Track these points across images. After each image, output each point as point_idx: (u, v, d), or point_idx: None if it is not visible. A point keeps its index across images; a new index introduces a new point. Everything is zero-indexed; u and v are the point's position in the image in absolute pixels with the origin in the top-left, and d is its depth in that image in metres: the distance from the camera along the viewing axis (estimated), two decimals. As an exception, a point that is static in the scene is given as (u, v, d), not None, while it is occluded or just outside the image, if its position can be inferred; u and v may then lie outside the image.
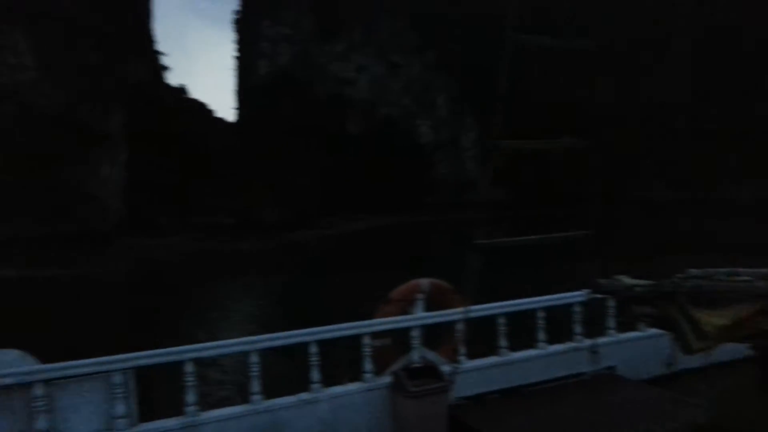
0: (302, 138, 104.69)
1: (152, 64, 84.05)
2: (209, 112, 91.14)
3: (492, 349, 7.99)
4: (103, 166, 56.93)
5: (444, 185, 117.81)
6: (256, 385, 6.56)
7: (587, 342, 8.17)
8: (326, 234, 78.39)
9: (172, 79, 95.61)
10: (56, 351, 6.77)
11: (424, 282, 7.95)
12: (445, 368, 7.12)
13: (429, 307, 7.85)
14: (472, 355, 7.70)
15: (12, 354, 5.70)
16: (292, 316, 26.46)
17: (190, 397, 6.26)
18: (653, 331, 8.41)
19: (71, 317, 29.87)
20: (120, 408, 5.85)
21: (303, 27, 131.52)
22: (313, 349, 6.82)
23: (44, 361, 5.82)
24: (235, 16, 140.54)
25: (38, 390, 5.57)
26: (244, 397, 6.75)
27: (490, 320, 7.92)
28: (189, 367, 6.24)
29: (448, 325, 7.78)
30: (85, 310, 32.81)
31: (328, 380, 6.98)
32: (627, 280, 4.94)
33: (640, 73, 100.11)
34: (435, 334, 7.89)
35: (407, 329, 7.42)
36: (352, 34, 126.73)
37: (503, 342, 7.95)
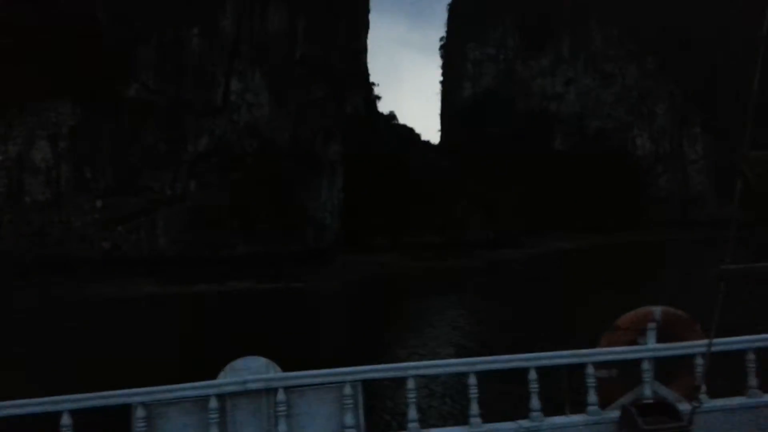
0: (507, 156, 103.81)
1: (366, 94, 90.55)
2: (417, 136, 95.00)
3: (739, 389, 6.97)
4: (323, 190, 62.64)
5: (665, 201, 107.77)
6: (474, 407, 6.49)
7: None
8: (533, 253, 76.39)
9: (383, 106, 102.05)
10: (291, 358, 7.45)
11: (656, 310, 7.17)
12: (683, 407, 6.36)
13: (661, 338, 7.09)
14: (713, 394, 6.79)
15: (260, 361, 6.36)
16: (503, 335, 26.09)
17: (412, 413, 6.40)
18: None
19: (299, 326, 32.94)
20: (349, 418, 6.17)
21: (508, 45, 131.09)
22: (533, 375, 6.56)
23: (282, 368, 6.40)
24: (441, 43, 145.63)
25: (281, 396, 6.13)
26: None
27: (736, 355, 6.93)
28: (411, 384, 6.39)
29: (686, 359, 6.96)
30: (311, 321, 36.00)
31: (548, 408, 6.66)
32: None
33: None
34: (669, 368, 7.11)
35: (637, 361, 6.79)
36: (559, 46, 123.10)
37: (753, 381, 6.88)
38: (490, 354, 6.84)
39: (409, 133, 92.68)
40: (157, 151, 54.05)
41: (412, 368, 6.51)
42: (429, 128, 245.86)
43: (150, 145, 53.76)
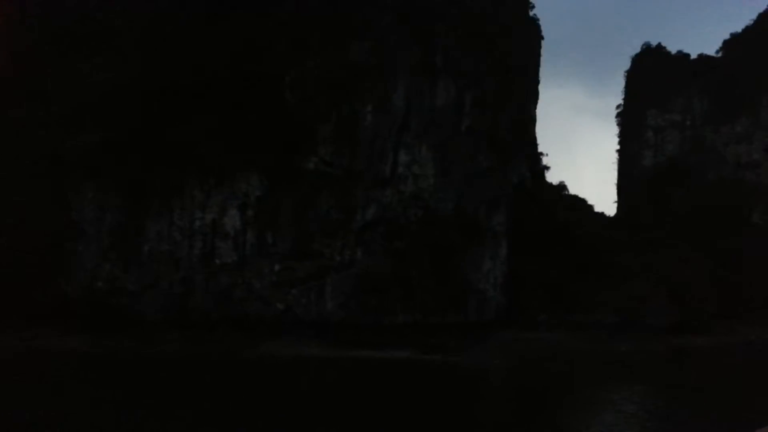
0: (693, 230, 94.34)
1: (533, 164, 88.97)
2: (589, 207, 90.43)
3: None
4: (485, 261, 61.68)
5: None
6: None
7: None
8: (726, 341, 67.03)
9: (554, 176, 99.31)
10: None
11: None
12: None
13: None
14: None
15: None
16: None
17: None
18: None
19: (452, 406, 31.71)
20: None
21: (694, 111, 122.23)
22: None
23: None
24: (618, 110, 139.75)
25: None
26: None
27: None
28: None
29: None
30: (467, 401, 34.49)
31: None
32: None
33: None
34: None
35: None
36: (756, 111, 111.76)
37: None
38: None
39: (580, 204, 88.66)
40: (330, 219, 57.40)
41: None
42: (604, 199, 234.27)
43: (324, 214, 57.30)
